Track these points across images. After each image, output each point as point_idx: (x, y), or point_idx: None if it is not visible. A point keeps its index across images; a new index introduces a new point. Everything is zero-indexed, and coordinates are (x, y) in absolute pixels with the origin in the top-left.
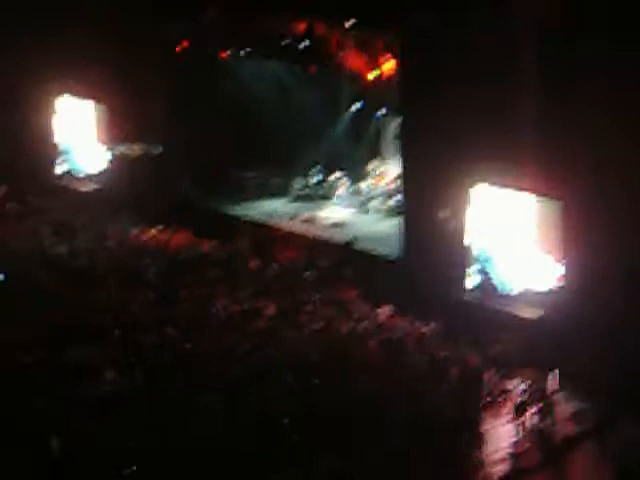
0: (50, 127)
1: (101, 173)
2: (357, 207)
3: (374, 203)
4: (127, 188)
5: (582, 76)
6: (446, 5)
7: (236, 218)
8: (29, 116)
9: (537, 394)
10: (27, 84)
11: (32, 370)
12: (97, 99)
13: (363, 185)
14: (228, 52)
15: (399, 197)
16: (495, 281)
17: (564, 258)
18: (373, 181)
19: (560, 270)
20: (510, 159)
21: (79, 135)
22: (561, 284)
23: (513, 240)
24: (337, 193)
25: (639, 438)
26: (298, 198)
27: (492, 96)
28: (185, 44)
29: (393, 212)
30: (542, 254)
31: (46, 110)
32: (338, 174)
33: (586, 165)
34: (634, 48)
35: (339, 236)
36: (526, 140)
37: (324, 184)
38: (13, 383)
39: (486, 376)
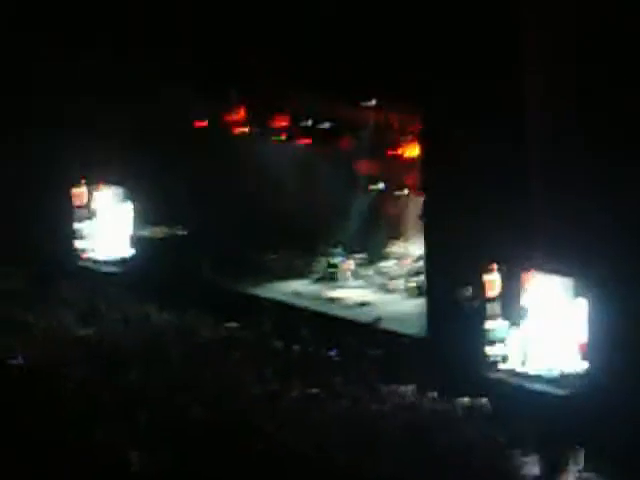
0: (72, 212)
1: (124, 256)
2: (379, 287)
3: (398, 283)
4: (150, 271)
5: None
6: (467, 88)
7: (259, 299)
8: (51, 202)
9: (562, 473)
10: (48, 169)
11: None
12: (119, 183)
13: (386, 265)
14: (248, 132)
15: (422, 277)
16: (522, 360)
17: (588, 340)
18: (396, 261)
19: (589, 352)
20: (535, 242)
21: (102, 219)
22: (589, 365)
23: (539, 321)
24: (344, 274)
25: None
26: (320, 278)
27: (513, 176)
28: (206, 124)
29: (417, 292)
30: (569, 336)
31: (67, 195)
32: (355, 256)
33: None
34: None
35: (363, 316)
36: (549, 224)
37: (346, 265)
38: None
39: (511, 455)
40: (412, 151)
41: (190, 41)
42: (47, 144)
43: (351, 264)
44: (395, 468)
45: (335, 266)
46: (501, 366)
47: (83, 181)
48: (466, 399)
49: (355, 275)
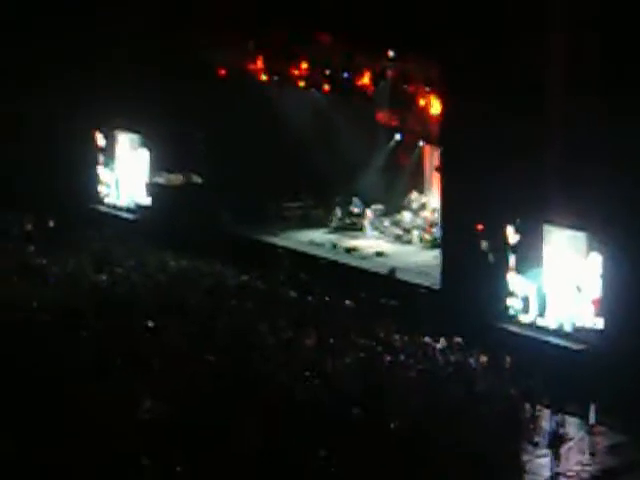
0: (94, 159)
1: (142, 203)
2: (396, 238)
3: (414, 234)
4: (168, 218)
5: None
6: (484, 39)
7: (276, 248)
8: (73, 148)
9: (576, 426)
10: (72, 117)
11: (73, 397)
12: (139, 131)
13: (403, 216)
14: (269, 81)
15: (439, 228)
16: (540, 313)
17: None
18: (413, 212)
19: (604, 307)
20: (551, 197)
21: (122, 166)
22: (604, 320)
23: (555, 275)
24: (365, 224)
25: None
26: (338, 229)
27: (531, 129)
28: (225, 73)
29: (433, 243)
30: (587, 292)
31: (89, 142)
32: (372, 206)
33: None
34: None
35: (380, 266)
36: (566, 180)
37: (364, 215)
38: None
39: (525, 407)
40: (431, 103)
41: None
42: (70, 90)
43: (370, 214)
44: (410, 417)
45: (357, 215)
46: (517, 318)
47: (100, 127)
48: (480, 350)
49: (372, 225)
